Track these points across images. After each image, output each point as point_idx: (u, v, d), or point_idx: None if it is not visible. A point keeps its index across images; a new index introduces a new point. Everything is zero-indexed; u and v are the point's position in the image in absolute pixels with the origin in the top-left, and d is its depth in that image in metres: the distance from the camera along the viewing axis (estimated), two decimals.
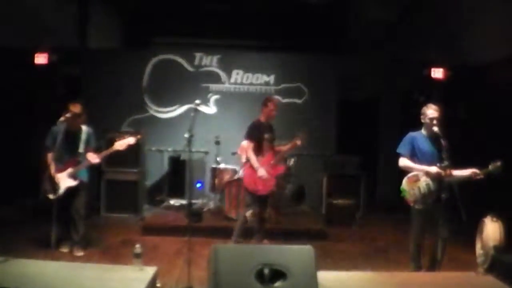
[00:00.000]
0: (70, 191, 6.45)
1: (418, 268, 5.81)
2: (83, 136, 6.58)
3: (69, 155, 6.52)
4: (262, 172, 6.60)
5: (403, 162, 5.76)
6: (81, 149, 6.52)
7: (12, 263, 4.63)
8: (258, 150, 6.75)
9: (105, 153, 6.61)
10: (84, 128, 6.63)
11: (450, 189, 5.35)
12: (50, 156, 6.51)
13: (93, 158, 6.51)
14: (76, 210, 6.63)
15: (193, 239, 5.41)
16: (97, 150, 6.75)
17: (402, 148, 5.80)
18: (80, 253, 6.62)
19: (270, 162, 6.81)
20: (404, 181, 5.69)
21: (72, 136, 6.53)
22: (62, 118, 6.33)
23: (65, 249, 6.56)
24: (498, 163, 5.24)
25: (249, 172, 6.74)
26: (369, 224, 9.30)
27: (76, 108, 6.48)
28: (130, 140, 6.59)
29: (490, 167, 5.28)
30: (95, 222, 8.55)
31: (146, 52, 11.20)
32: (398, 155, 5.90)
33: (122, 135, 7.85)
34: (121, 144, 6.52)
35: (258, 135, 6.74)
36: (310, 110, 10.65)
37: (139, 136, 9.18)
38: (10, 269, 4.47)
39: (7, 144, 8.99)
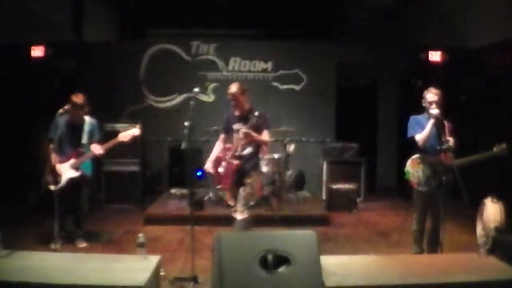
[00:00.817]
0: (71, 183, 6.38)
1: (420, 251, 5.84)
2: (87, 128, 6.50)
3: (72, 146, 6.46)
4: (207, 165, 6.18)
5: (418, 137, 5.67)
6: (84, 140, 6.44)
7: (16, 255, 4.64)
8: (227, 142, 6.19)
9: (109, 144, 6.44)
10: (87, 119, 6.55)
11: (451, 171, 5.35)
12: (51, 147, 6.45)
13: (97, 149, 6.42)
14: (78, 204, 6.64)
15: (195, 228, 5.42)
16: (101, 142, 6.65)
17: (412, 130, 5.73)
18: (83, 245, 6.64)
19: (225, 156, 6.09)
20: (408, 163, 5.68)
21: (75, 128, 6.48)
22: (61, 110, 6.31)
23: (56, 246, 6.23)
24: (504, 145, 5.24)
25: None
26: (370, 209, 9.35)
27: (78, 99, 6.40)
28: (135, 131, 6.45)
29: (495, 149, 5.28)
30: (96, 213, 8.58)
31: (142, 43, 11.19)
32: (402, 142, 5.88)
33: (124, 127, 7.93)
34: (125, 135, 6.39)
35: (226, 126, 6.20)
36: (309, 97, 10.65)
37: (138, 126, 9.26)
38: (14, 261, 4.48)
39: (5, 139, 8.98)
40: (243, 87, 6.03)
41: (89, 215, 7.71)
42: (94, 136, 6.56)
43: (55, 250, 5.99)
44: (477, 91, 9.02)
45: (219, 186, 6.33)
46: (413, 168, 5.66)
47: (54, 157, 6.41)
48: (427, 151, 5.65)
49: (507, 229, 5.68)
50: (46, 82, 9.56)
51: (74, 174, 6.39)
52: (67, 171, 6.35)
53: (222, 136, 6.27)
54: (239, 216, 5.85)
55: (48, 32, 9.74)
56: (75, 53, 10.19)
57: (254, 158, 6.09)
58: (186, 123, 5.18)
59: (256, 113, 5.80)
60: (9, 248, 4.76)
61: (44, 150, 6.59)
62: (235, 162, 5.91)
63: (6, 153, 8.85)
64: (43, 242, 6.43)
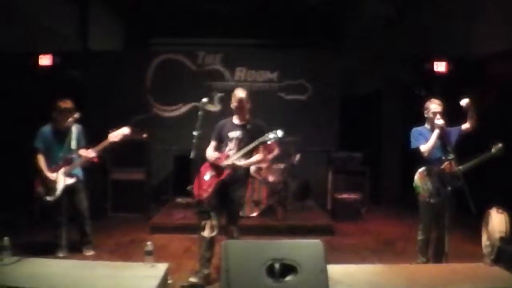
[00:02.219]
0: (68, 190, 6.34)
1: (426, 261, 5.86)
2: (75, 134, 6.38)
3: (62, 154, 6.34)
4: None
5: (423, 148, 5.70)
6: (73, 145, 6.33)
7: (25, 262, 4.69)
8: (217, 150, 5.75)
9: (100, 146, 6.29)
10: (74, 126, 6.44)
11: (457, 179, 5.38)
12: (40, 157, 6.39)
13: (88, 153, 6.29)
14: (79, 211, 6.56)
15: (201, 236, 5.45)
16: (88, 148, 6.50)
17: (416, 142, 5.77)
18: (90, 252, 6.63)
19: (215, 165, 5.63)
20: (416, 177, 5.71)
21: (61, 135, 6.40)
22: (69, 120, 6.35)
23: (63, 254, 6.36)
24: (500, 145, 5.44)
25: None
26: (375, 218, 9.37)
27: (67, 104, 6.38)
28: (124, 130, 6.27)
29: (493, 150, 5.44)
30: (102, 222, 8.63)
31: (149, 52, 11.26)
32: (406, 152, 5.92)
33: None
34: (115, 135, 6.23)
35: (219, 133, 5.81)
36: (314, 107, 10.68)
37: (144, 135, 9.34)
38: (23, 268, 4.53)
39: (11, 147, 9.03)
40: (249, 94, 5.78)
41: (95, 223, 7.77)
42: (80, 143, 6.44)
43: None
44: (482, 101, 9.03)
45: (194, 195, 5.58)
46: (422, 181, 5.68)
47: (44, 166, 6.35)
48: (431, 162, 5.68)
49: None
50: (53, 90, 9.60)
51: (69, 181, 6.33)
52: (61, 179, 6.27)
53: (213, 144, 5.77)
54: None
55: (55, 41, 9.82)
56: (82, 62, 10.26)
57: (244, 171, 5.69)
58: (194, 133, 5.21)
59: (259, 123, 5.66)
60: (18, 255, 4.81)
61: (32, 161, 6.45)
62: (226, 171, 5.45)
63: (12, 162, 8.89)
64: (50, 251, 6.38)
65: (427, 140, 5.70)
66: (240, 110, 5.68)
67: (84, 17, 11.46)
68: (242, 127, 5.67)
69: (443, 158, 5.55)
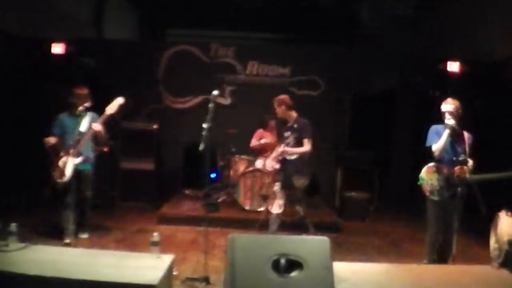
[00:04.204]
0: (76, 171, 6.47)
1: (432, 261, 5.83)
2: (88, 118, 6.56)
3: (73, 138, 6.50)
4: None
5: (434, 147, 5.64)
6: (83, 128, 6.47)
7: (31, 249, 4.70)
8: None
9: (100, 120, 6.47)
10: (88, 113, 6.64)
11: (465, 184, 5.34)
12: (55, 142, 6.53)
13: (96, 126, 6.44)
14: (83, 192, 6.70)
15: (208, 229, 5.46)
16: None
17: (431, 140, 5.71)
18: (84, 235, 6.75)
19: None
20: (424, 170, 5.69)
21: (77, 120, 6.57)
22: (81, 108, 6.43)
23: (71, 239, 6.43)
24: None
25: None
26: (382, 218, 9.33)
27: (83, 91, 6.66)
28: (119, 100, 6.48)
29: None
30: (110, 210, 8.67)
31: (162, 43, 11.25)
32: (418, 152, 5.88)
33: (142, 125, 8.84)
34: (111, 107, 6.43)
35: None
36: (325, 104, 10.64)
37: (155, 126, 9.36)
38: (29, 255, 4.54)
39: (22, 133, 9.07)
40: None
41: (104, 212, 7.85)
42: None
43: (68, 244, 6.10)
44: (495, 103, 8.98)
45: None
46: (428, 175, 5.66)
47: (57, 151, 6.51)
48: (442, 162, 5.64)
49: None
50: (66, 78, 9.63)
51: (77, 160, 6.45)
52: (70, 161, 6.40)
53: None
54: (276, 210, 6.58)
55: (69, 29, 9.85)
56: (96, 50, 10.27)
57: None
58: (204, 125, 5.21)
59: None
60: (24, 241, 4.83)
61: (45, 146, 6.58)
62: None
63: (23, 148, 8.93)
64: (56, 234, 6.53)
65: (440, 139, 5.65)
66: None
67: (100, 5, 11.50)
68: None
69: (454, 159, 5.51)
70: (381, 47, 11.95)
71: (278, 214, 6.58)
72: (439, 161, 5.66)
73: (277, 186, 6.74)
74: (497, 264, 5.28)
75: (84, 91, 6.67)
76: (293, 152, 6.54)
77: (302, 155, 6.57)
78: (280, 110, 6.72)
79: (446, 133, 5.56)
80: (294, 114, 6.77)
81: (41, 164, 6.81)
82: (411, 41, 11.73)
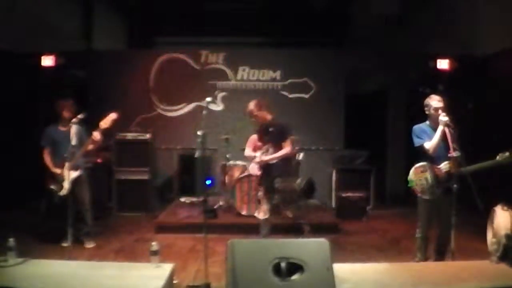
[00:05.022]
0: (75, 183, 6.66)
1: (424, 259, 5.83)
2: (75, 131, 6.47)
3: (67, 151, 6.46)
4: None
5: (427, 145, 5.62)
6: (74, 141, 6.42)
7: (31, 263, 4.69)
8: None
9: (95, 133, 6.59)
10: (74, 126, 6.50)
11: (462, 179, 5.35)
12: (46, 156, 6.83)
13: (95, 136, 6.59)
14: (82, 202, 6.86)
15: (207, 236, 5.45)
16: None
17: (419, 139, 5.70)
18: (91, 245, 6.95)
19: None
20: (412, 172, 5.70)
21: (67, 133, 6.59)
22: (74, 120, 6.45)
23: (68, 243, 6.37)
24: (507, 153, 5.26)
25: None
26: (380, 217, 9.36)
27: (68, 103, 6.87)
28: (113, 116, 6.62)
29: (499, 157, 5.29)
30: (107, 222, 8.66)
31: (152, 51, 11.26)
32: (411, 150, 5.88)
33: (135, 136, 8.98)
34: (105, 122, 6.55)
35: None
36: (318, 105, 10.66)
37: (148, 135, 9.38)
38: (29, 269, 4.53)
39: (16, 146, 9.06)
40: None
41: (101, 223, 7.85)
42: (82, 139, 6.64)
43: (67, 250, 6.11)
44: (485, 98, 9.03)
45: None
46: (416, 176, 5.66)
47: (50, 164, 6.78)
48: (435, 159, 5.65)
49: None
50: (56, 91, 9.61)
51: (75, 174, 6.70)
52: (67, 174, 6.57)
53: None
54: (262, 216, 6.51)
55: (59, 40, 9.82)
56: (85, 62, 10.27)
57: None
58: (199, 132, 5.22)
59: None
60: (23, 254, 4.82)
61: (39, 159, 6.86)
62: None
63: (18, 160, 8.93)
64: (55, 242, 6.70)
65: (429, 137, 5.65)
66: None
67: (88, 17, 11.49)
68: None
69: (448, 156, 5.51)
70: (371, 46, 11.98)
71: (266, 220, 6.50)
72: (431, 159, 5.66)
73: (260, 192, 6.69)
74: (495, 258, 5.30)
75: (69, 102, 6.87)
76: (272, 158, 6.44)
77: (285, 158, 6.48)
78: (261, 115, 6.55)
79: (440, 129, 5.56)
80: (269, 116, 6.60)
81: (37, 178, 6.85)
82: (402, 38, 11.77)
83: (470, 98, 9.32)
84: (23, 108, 9.40)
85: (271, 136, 6.46)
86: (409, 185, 5.74)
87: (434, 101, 5.70)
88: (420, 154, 5.74)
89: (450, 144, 5.42)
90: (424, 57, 9.97)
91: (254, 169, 8.02)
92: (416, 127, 5.82)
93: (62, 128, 6.85)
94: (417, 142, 5.75)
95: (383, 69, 10.76)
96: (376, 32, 12.13)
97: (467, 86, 9.47)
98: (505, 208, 5.75)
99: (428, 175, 5.60)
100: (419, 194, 5.67)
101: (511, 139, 7.51)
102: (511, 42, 8.28)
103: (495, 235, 5.77)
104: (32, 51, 9.26)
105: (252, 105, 6.50)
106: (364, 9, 12.15)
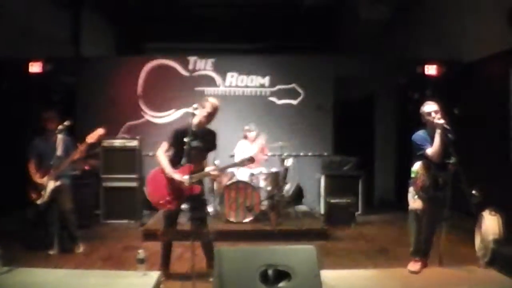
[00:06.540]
0: (55, 193, 6.70)
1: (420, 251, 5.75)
2: (60, 142, 6.65)
3: (52, 161, 6.62)
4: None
5: (430, 152, 5.52)
6: (59, 152, 6.58)
7: (17, 272, 4.66)
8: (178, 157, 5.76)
9: (81, 147, 6.59)
10: (60, 135, 6.67)
11: (456, 181, 5.34)
12: (31, 166, 6.86)
13: (81, 146, 6.58)
14: (64, 208, 6.87)
15: (195, 243, 5.42)
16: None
17: (422, 146, 5.58)
18: (80, 250, 7.03)
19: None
20: (419, 164, 5.62)
21: (52, 143, 6.68)
22: (60, 127, 6.45)
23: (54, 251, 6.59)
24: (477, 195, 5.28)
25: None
26: (368, 223, 9.35)
27: (50, 115, 6.91)
28: (100, 131, 6.59)
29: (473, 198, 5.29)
30: (95, 229, 8.60)
31: (140, 58, 11.20)
32: (402, 154, 5.86)
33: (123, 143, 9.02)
34: (92, 137, 6.54)
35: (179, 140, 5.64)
36: (306, 111, 10.66)
37: (136, 142, 9.34)
38: (14, 278, 4.50)
39: (2, 154, 9.00)
40: None
41: (88, 231, 7.80)
42: (69, 149, 6.74)
43: (54, 258, 6.16)
44: (473, 104, 9.07)
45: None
46: (421, 170, 5.61)
47: (33, 173, 6.81)
48: (435, 165, 5.60)
49: (506, 241, 5.69)
50: (44, 97, 9.57)
51: (57, 183, 6.73)
52: (49, 183, 6.64)
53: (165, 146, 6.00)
54: None
55: (46, 47, 9.78)
56: (73, 68, 10.23)
57: None
58: (186, 139, 5.21)
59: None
60: (9, 262, 4.78)
61: (26, 168, 6.90)
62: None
63: (5, 168, 8.86)
64: (42, 251, 6.60)
65: (430, 144, 5.60)
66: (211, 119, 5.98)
67: (77, 23, 11.45)
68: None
69: (446, 161, 5.46)
70: (359, 52, 12.03)
71: None
72: (434, 164, 5.60)
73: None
74: (483, 263, 5.32)
75: (51, 113, 6.93)
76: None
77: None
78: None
79: (438, 133, 5.49)
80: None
81: (24, 186, 6.84)
82: (390, 44, 11.83)
83: (458, 104, 9.34)
84: (10, 115, 9.32)
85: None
86: (412, 176, 5.68)
87: (428, 106, 5.67)
88: (411, 160, 5.72)
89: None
90: (412, 63, 10.02)
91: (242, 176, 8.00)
92: (416, 135, 5.72)
93: (47, 140, 6.86)
94: (419, 150, 5.65)
95: (371, 75, 10.79)
96: (364, 38, 12.18)
97: (454, 91, 9.50)
98: (493, 213, 5.79)
99: (431, 173, 5.58)
100: (418, 189, 5.61)
101: (496, 145, 7.62)
102: (498, 47, 8.32)
103: (483, 240, 5.80)
104: (20, 58, 9.21)
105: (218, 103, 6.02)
106: (352, 15, 12.20)
